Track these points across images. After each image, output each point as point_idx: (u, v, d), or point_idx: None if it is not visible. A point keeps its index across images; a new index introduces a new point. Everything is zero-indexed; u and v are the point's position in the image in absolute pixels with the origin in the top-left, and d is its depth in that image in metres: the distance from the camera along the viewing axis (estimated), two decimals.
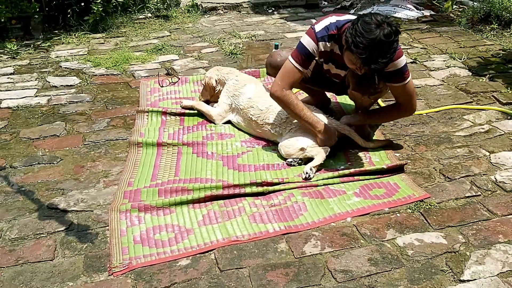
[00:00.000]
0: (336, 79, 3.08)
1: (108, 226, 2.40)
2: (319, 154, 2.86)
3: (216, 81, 3.51)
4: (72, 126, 3.42)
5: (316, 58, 2.88)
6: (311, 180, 2.72)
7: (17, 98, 3.86)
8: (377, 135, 3.18)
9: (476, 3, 5.58)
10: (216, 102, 3.50)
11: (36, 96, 3.91)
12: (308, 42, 2.76)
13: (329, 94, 3.53)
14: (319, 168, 2.83)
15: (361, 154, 2.99)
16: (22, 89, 4.05)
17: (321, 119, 2.93)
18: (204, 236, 2.31)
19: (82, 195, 2.66)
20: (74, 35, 5.38)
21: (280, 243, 2.27)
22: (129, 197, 2.60)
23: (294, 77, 2.81)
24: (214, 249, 2.24)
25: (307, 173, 2.74)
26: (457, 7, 5.84)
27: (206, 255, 2.21)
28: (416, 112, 3.41)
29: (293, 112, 2.88)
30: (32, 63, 4.65)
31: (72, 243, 2.31)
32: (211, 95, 3.57)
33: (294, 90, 3.27)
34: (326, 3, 6.55)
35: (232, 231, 2.34)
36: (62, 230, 2.39)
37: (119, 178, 2.79)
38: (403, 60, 2.73)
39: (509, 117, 3.33)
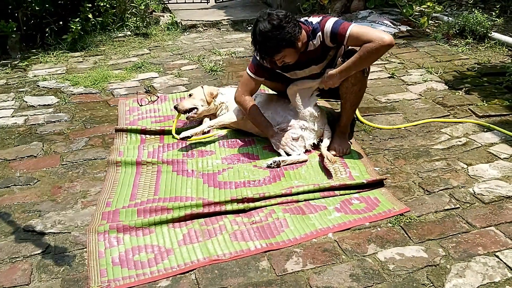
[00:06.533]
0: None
1: (86, 248, 2.36)
2: (293, 155, 3.10)
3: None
4: (49, 146, 3.37)
5: (268, 66, 3.09)
6: (292, 193, 2.71)
7: None
8: (356, 149, 3.20)
9: (451, 18, 5.70)
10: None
11: (12, 116, 3.85)
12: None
13: None
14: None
15: (341, 169, 3.00)
16: None
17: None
18: (184, 256, 2.28)
19: (60, 216, 2.61)
20: (52, 54, 5.34)
21: (262, 261, 2.25)
22: (108, 217, 2.56)
23: (251, 84, 3.21)
24: (195, 269, 2.20)
25: (275, 162, 3.02)
26: (432, 22, 5.96)
27: (186, 276, 2.17)
28: (394, 126, 3.47)
29: (248, 116, 3.27)
30: (9, 83, 4.59)
31: (49, 266, 2.25)
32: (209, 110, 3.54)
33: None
34: None
35: (213, 250, 2.31)
36: (38, 253, 2.34)
37: (97, 199, 2.75)
38: (329, 26, 2.90)
39: (485, 130, 3.39)
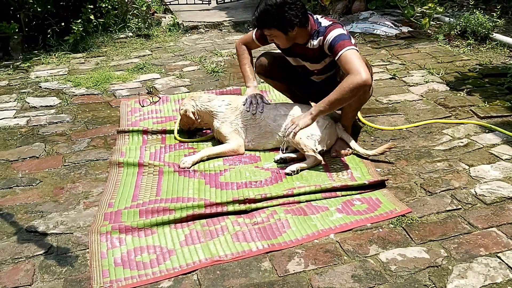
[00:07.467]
0: (308, 72, 3.25)
1: (88, 248, 2.36)
2: (311, 158, 3.04)
3: (193, 113, 3.31)
4: (51, 147, 3.38)
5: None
6: (293, 194, 2.71)
7: None
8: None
9: (452, 19, 5.71)
10: (201, 127, 3.48)
11: (15, 117, 3.86)
12: None
13: None
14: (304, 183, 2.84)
15: (342, 170, 3.00)
16: (1, 110, 4.01)
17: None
18: (186, 257, 2.28)
19: (62, 217, 2.62)
20: (54, 55, 5.36)
21: (264, 262, 2.25)
22: (110, 218, 2.56)
23: (250, 42, 3.42)
24: (197, 269, 2.21)
25: (292, 170, 2.96)
26: (434, 23, 5.96)
27: (188, 276, 2.18)
28: (396, 127, 3.47)
29: (238, 62, 3.48)
30: (11, 84, 4.60)
31: (52, 267, 2.26)
32: (193, 125, 3.41)
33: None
34: None
35: (215, 251, 2.32)
36: (41, 254, 2.34)
37: (99, 199, 2.75)
38: (331, 36, 2.92)
39: (487, 131, 3.39)
